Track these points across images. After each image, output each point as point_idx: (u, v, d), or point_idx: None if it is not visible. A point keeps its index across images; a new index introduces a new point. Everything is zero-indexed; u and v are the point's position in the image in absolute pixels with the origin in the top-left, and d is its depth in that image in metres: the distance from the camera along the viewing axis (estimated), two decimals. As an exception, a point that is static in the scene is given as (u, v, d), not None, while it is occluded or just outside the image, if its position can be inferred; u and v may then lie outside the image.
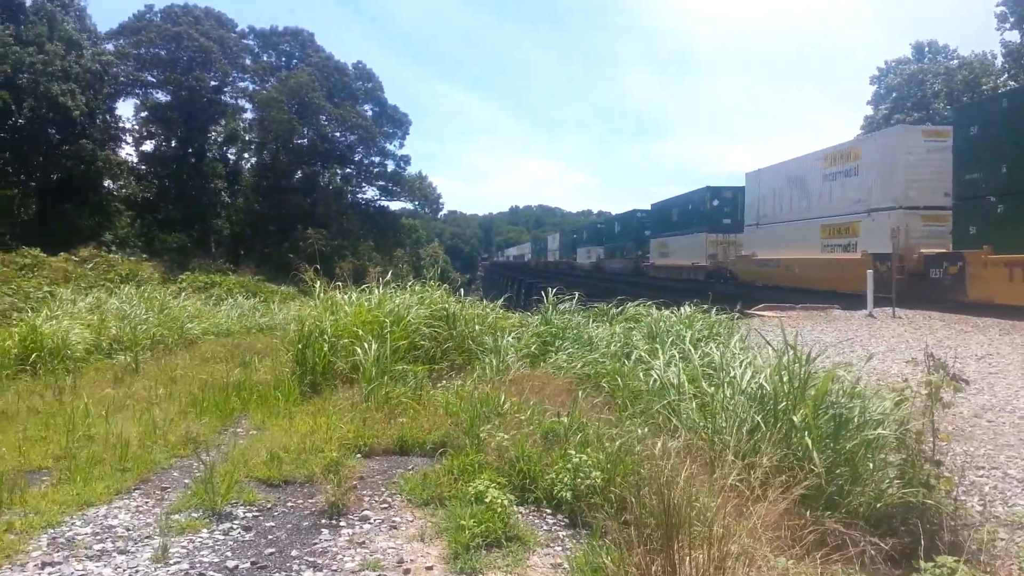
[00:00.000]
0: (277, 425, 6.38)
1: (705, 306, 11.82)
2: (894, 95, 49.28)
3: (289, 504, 4.68)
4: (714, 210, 33.94)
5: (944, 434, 4.74)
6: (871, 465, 4.49)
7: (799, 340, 5.66)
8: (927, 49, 51.16)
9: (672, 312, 11.58)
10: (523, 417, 5.88)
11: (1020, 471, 5.05)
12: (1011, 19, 37.74)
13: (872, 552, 3.79)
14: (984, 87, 42.95)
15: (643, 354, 7.95)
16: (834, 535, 3.84)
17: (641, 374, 7.08)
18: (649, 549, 3.32)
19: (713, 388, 5.73)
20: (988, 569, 3.80)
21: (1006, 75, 42.08)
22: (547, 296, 11.76)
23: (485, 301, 11.88)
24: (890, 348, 10.34)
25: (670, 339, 9.05)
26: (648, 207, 47.66)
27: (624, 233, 51.97)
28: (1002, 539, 4.14)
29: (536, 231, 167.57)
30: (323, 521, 4.38)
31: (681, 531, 3.34)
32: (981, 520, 4.31)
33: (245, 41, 64.15)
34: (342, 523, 4.36)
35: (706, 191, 34.52)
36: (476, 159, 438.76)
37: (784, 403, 4.87)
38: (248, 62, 63.22)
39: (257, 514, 4.48)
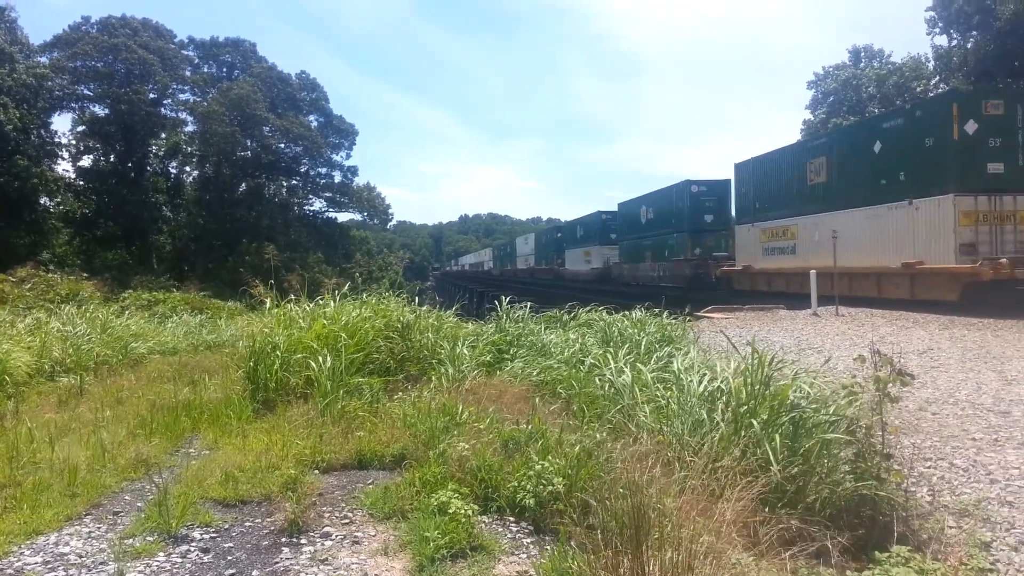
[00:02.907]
0: (230, 444, 6.24)
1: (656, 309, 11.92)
2: (831, 99, 50.78)
3: (247, 524, 4.58)
4: (970, 145, 16.32)
5: (893, 428, 4.88)
6: (826, 461, 4.60)
7: (750, 341, 5.78)
8: (863, 54, 52.84)
9: (624, 316, 11.71)
10: (481, 426, 5.87)
11: (965, 461, 5.24)
12: (939, 24, 39.19)
13: (830, 546, 3.88)
14: (917, 89, 44.68)
15: (598, 360, 8.03)
16: (794, 531, 3.93)
17: (597, 379, 7.12)
18: (616, 551, 3.35)
19: (668, 392, 5.81)
20: (939, 556, 3.92)
21: (937, 77, 43.72)
22: (500, 305, 11.82)
23: (438, 311, 11.82)
24: (836, 346, 10.63)
25: (625, 344, 9.13)
26: (701, 178, 31.67)
27: (663, 221, 33.96)
28: (951, 527, 4.28)
29: (486, 239, 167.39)
30: (283, 539, 4.30)
31: (651, 534, 3.38)
32: (931, 509, 4.45)
33: (185, 52, 62.87)
34: (303, 540, 4.28)
35: (947, 101, 17.28)
36: (425, 168, 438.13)
37: (745, 405, 4.96)
38: (188, 73, 61.94)
39: (215, 535, 4.37)
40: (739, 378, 5.35)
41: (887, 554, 3.74)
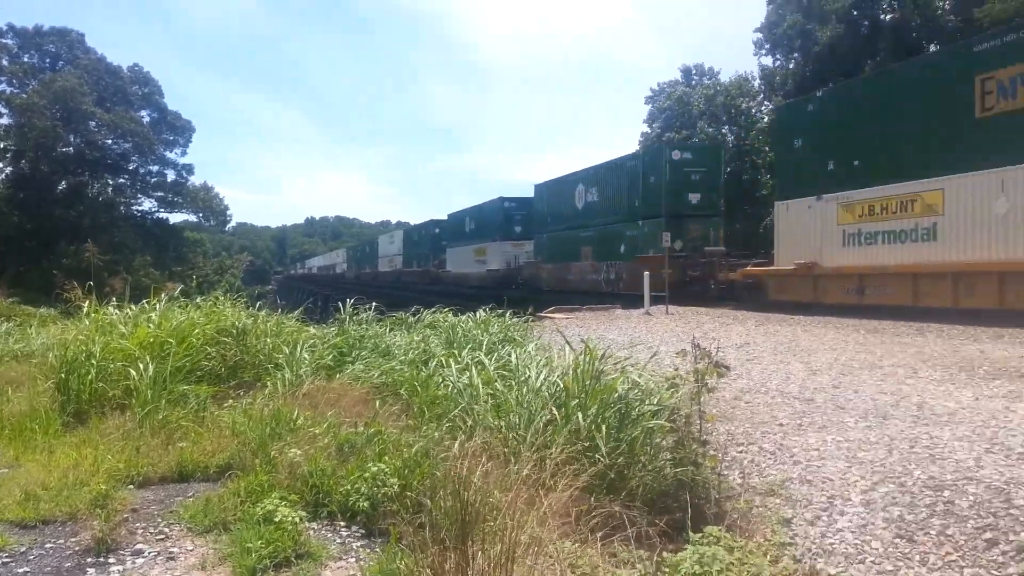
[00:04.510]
0: (34, 460, 5.69)
1: (499, 310, 12.17)
2: (666, 114, 53.81)
3: (48, 545, 4.18)
4: None
5: (709, 416, 5.21)
6: (649, 450, 4.85)
7: (586, 339, 6.00)
8: (693, 72, 56.46)
9: (469, 317, 11.82)
10: (317, 431, 5.71)
11: (772, 445, 5.67)
12: (766, 45, 42.42)
13: (649, 530, 4.08)
14: (742, 107, 48.31)
15: (441, 360, 8.06)
16: (616, 517, 4.10)
17: (440, 379, 7.14)
18: (443, 548, 3.34)
19: (507, 388, 5.91)
20: (747, 534, 4.22)
21: (761, 95, 47.40)
22: (343, 307, 11.59)
23: (280, 315, 11.41)
24: (663, 341, 11.24)
25: (468, 344, 9.23)
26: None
27: (616, 204, 25.50)
28: (758, 506, 4.61)
29: (333, 242, 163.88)
30: (89, 560, 3.96)
31: (475, 527, 3.40)
32: (741, 491, 4.79)
33: (3, 40, 57.04)
34: (111, 560, 3.97)
35: None
36: (270, 169, 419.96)
37: (576, 399, 5.12)
38: (5, 63, 56.20)
39: (7, 560, 3.96)
40: (572, 373, 5.52)
41: (700, 534, 3.98)
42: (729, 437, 5.83)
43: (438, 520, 3.57)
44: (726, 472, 5.06)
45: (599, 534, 3.78)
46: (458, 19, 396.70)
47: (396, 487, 4.51)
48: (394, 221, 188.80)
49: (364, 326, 11.03)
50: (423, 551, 3.38)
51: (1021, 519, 3.87)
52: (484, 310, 12.24)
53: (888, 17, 35.11)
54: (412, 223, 63.36)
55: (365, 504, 4.47)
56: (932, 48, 29.94)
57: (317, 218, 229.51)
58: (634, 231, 23.71)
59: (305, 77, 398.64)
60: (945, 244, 13.82)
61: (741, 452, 5.58)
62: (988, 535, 3.80)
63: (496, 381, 6.30)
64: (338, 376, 8.44)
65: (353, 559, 3.98)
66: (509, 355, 7.51)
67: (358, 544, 4.21)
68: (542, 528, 3.52)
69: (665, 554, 3.85)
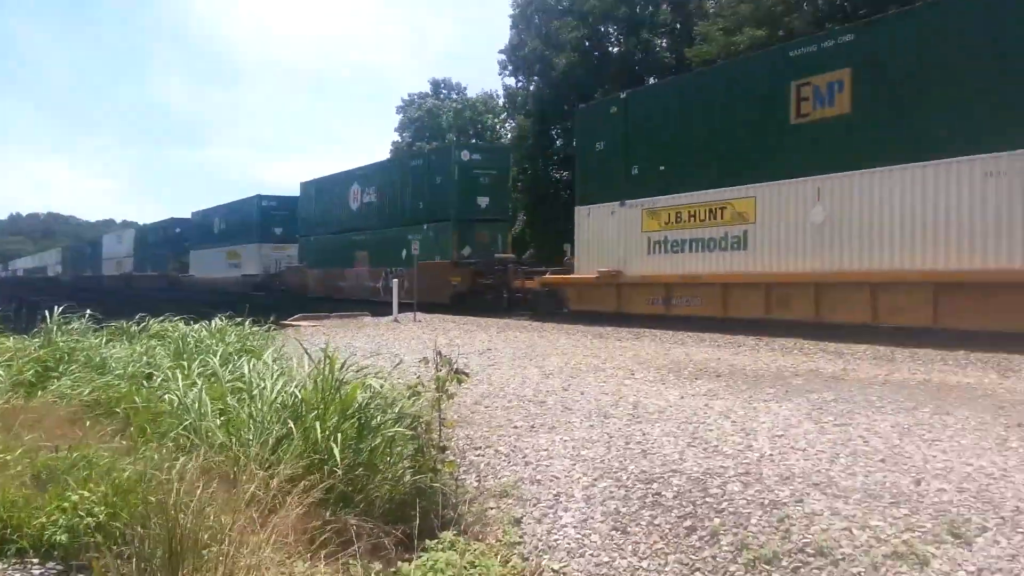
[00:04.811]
0: None
1: (239, 318, 11.53)
2: (416, 124, 54.77)
3: None
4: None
5: (449, 422, 5.34)
6: (389, 459, 4.83)
7: (332, 347, 5.86)
8: (442, 86, 58.13)
9: (203, 326, 11.03)
10: (9, 457, 4.95)
11: (507, 447, 5.92)
12: (510, 67, 44.65)
13: (385, 540, 4.05)
14: (488, 122, 50.68)
15: (167, 373, 7.42)
16: (353, 531, 4.01)
17: (166, 396, 6.56)
18: (151, 582, 3.04)
19: (239, 402, 5.58)
20: (480, 537, 4.35)
21: (505, 113, 49.87)
22: (51, 314, 10.25)
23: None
24: (410, 349, 11.34)
25: (200, 356, 8.60)
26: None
27: (399, 206, 24.44)
28: (492, 508, 4.78)
29: (45, 241, 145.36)
30: None
31: (189, 556, 3.14)
32: (477, 494, 4.93)
33: None
34: None
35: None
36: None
37: (315, 411, 4.95)
38: None
39: None
40: (312, 383, 5.35)
41: (436, 540, 4.03)
42: (468, 441, 5.99)
43: (145, 551, 3.25)
44: (464, 476, 5.18)
45: (327, 550, 3.66)
46: (198, 10, 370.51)
47: (102, 516, 4.03)
48: (119, 219, 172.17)
49: (76, 337, 9.83)
50: (127, 587, 3.06)
51: (715, 506, 4.37)
52: (220, 318, 11.50)
53: (615, 50, 38.71)
54: (144, 223, 57.45)
55: (63, 537, 3.93)
56: (651, 81, 33.32)
57: (24, 215, 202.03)
58: (418, 236, 21.82)
59: (12, 54, 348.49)
60: (757, 253, 13.50)
61: (479, 456, 5.75)
62: (688, 523, 4.23)
63: (228, 395, 5.94)
64: (40, 394, 7.44)
65: (44, 603, 3.49)
66: (244, 367, 7.12)
67: (52, 584, 3.70)
68: (267, 549, 3.34)
69: (400, 564, 3.84)
